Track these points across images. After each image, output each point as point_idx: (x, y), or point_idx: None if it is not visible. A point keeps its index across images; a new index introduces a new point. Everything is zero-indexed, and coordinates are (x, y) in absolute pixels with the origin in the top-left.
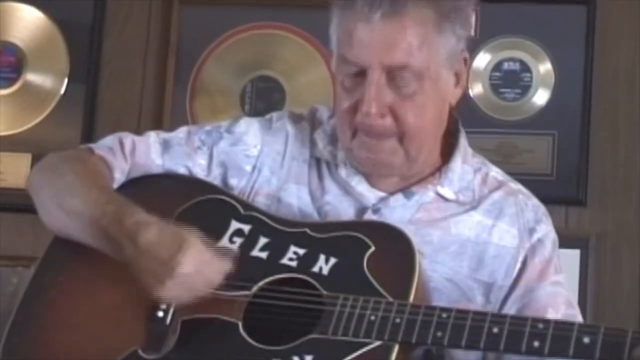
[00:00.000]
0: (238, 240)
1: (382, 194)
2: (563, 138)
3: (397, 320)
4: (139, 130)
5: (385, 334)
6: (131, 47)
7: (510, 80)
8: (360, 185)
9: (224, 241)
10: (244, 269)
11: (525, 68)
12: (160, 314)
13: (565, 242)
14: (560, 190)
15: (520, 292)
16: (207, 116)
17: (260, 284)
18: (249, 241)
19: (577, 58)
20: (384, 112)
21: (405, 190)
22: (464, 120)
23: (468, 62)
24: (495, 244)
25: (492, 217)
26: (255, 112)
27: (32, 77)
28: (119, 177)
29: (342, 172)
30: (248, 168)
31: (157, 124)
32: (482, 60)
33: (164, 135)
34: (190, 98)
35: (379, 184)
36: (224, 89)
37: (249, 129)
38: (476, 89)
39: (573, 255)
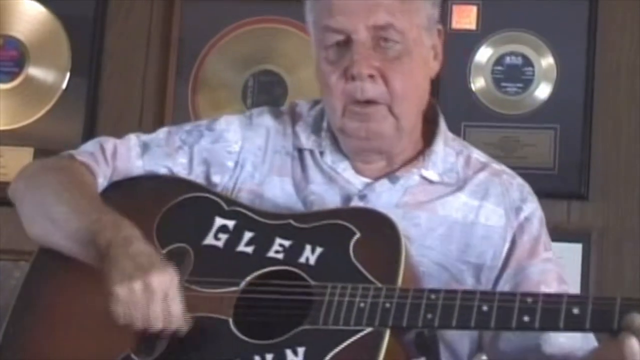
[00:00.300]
0: (223, 237)
1: (367, 180)
2: (565, 132)
3: (387, 305)
4: (140, 125)
5: (375, 320)
6: (133, 41)
7: (512, 74)
8: (346, 172)
9: (209, 238)
10: (231, 265)
11: (527, 62)
12: None
13: (567, 236)
14: (563, 185)
15: (511, 271)
16: (209, 110)
17: (248, 279)
18: (234, 237)
19: (579, 52)
20: (373, 73)
21: (390, 175)
22: (466, 115)
23: (442, 35)
24: (483, 225)
25: (478, 198)
26: (257, 106)
27: (34, 71)
28: (102, 182)
29: (328, 158)
30: (230, 164)
31: (159, 118)
32: (484, 54)
33: (144, 137)
34: (192, 92)
35: (364, 170)
36: (226, 83)
37: (230, 126)
38: (478, 83)
39: (575, 249)
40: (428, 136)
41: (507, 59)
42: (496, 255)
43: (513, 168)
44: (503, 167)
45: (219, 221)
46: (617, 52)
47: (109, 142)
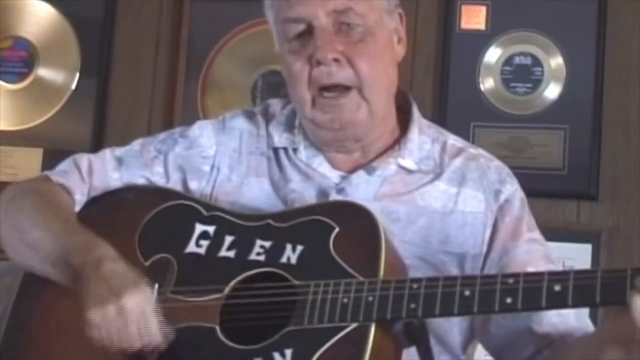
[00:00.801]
0: (204, 243)
1: (343, 173)
2: (574, 132)
3: (370, 298)
4: (150, 125)
5: (359, 315)
6: (142, 42)
7: (522, 74)
8: (322, 166)
9: (191, 246)
10: (214, 271)
11: (537, 62)
12: None
13: (577, 236)
14: (572, 185)
15: (496, 255)
16: (218, 111)
17: (232, 284)
18: (215, 242)
19: (588, 52)
20: (339, 57)
21: (366, 166)
22: (475, 115)
23: (404, 19)
24: (462, 212)
25: (456, 185)
26: None
27: (43, 72)
28: (79, 199)
29: (302, 155)
30: (206, 168)
31: (168, 119)
32: (493, 54)
33: (119, 150)
34: (201, 93)
35: (340, 162)
36: (235, 83)
37: (203, 132)
38: (487, 84)
39: (585, 250)
40: (403, 125)
41: (517, 59)
42: (478, 243)
43: (522, 168)
44: (480, 151)
45: (199, 227)
46: (627, 52)
47: (84, 159)
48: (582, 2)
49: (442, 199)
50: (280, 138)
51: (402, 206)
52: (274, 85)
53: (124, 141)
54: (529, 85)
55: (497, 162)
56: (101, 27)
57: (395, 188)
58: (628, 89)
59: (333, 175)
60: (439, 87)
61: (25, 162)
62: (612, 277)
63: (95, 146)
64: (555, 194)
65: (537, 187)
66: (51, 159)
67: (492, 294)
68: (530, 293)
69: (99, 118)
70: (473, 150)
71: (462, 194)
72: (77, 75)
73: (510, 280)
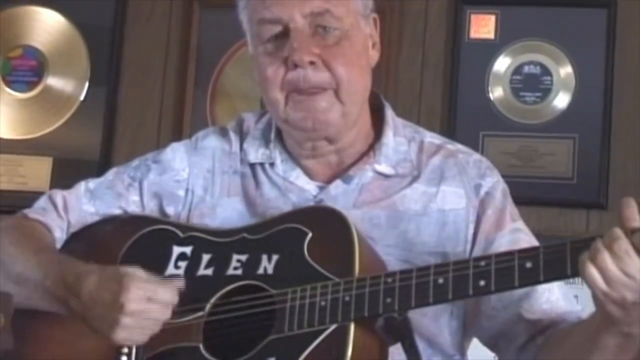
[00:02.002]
0: (183, 264)
1: (321, 184)
2: (584, 141)
3: (347, 298)
4: (159, 134)
5: (338, 316)
6: (151, 50)
7: (531, 83)
8: (299, 179)
9: (170, 269)
10: (194, 290)
11: (546, 71)
12: (124, 358)
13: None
14: (581, 194)
15: (480, 247)
16: (227, 119)
17: (212, 301)
18: (193, 262)
19: (598, 61)
20: (315, 60)
21: (343, 175)
22: (484, 124)
23: (378, 24)
24: (442, 211)
25: (435, 184)
26: None
27: (53, 80)
28: (59, 236)
29: (279, 169)
30: (181, 193)
31: (178, 127)
32: (503, 63)
33: (93, 183)
34: (211, 101)
35: (316, 173)
36: (244, 91)
37: (175, 154)
38: (497, 93)
39: None
40: (377, 127)
41: (526, 68)
42: (461, 239)
43: (531, 177)
44: (458, 147)
45: (176, 250)
46: (636, 61)
47: (58, 195)
48: (591, 11)
49: (422, 200)
50: (256, 154)
51: (383, 211)
52: None
53: (133, 150)
54: (538, 94)
55: (476, 156)
56: (110, 36)
57: (374, 194)
58: (637, 98)
59: (311, 188)
60: (448, 96)
61: (35, 171)
62: (582, 247)
63: (105, 155)
64: (564, 203)
65: (546, 196)
66: (61, 168)
67: (465, 278)
68: (502, 273)
69: (108, 127)
70: (451, 146)
71: (442, 193)
72: (87, 84)
73: (482, 263)
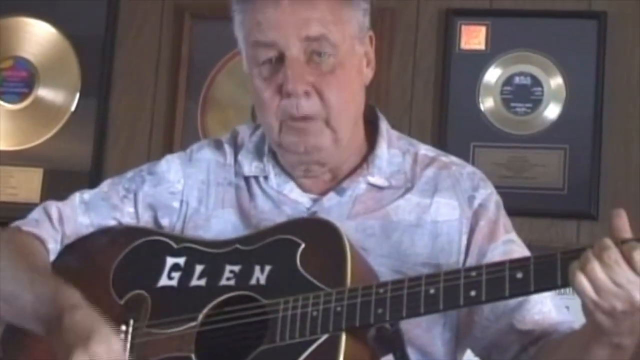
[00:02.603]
0: (176, 275)
1: (314, 196)
2: (574, 152)
3: (338, 308)
4: (150, 146)
5: (329, 325)
6: (143, 61)
7: (521, 94)
8: (293, 192)
9: (163, 279)
10: (187, 301)
11: (536, 82)
12: None
13: None
14: (572, 205)
15: (473, 258)
16: (218, 130)
17: (205, 311)
18: (187, 273)
19: (588, 72)
20: (309, 90)
21: (336, 187)
22: (475, 135)
23: (373, 41)
24: (436, 222)
25: (429, 196)
26: None
27: (43, 92)
28: (53, 247)
29: (273, 182)
30: (176, 205)
31: (169, 139)
32: (493, 74)
33: (88, 194)
34: (202, 112)
35: (310, 186)
36: (236, 102)
37: (170, 166)
38: (487, 103)
39: None
40: (371, 139)
41: (516, 79)
42: (454, 251)
43: (522, 188)
44: (452, 159)
45: (170, 260)
46: (626, 72)
47: (52, 207)
48: (582, 23)
49: (416, 211)
50: (250, 167)
51: (377, 221)
52: None
53: (124, 161)
54: (529, 105)
55: (469, 169)
56: (101, 47)
57: (367, 206)
58: (628, 109)
59: (304, 200)
60: (439, 106)
61: (26, 182)
62: (573, 258)
63: (96, 166)
64: (555, 213)
65: (537, 207)
66: (51, 179)
67: (456, 288)
68: (493, 283)
69: (99, 138)
70: (445, 158)
71: (435, 204)
72: (78, 95)
73: (473, 273)
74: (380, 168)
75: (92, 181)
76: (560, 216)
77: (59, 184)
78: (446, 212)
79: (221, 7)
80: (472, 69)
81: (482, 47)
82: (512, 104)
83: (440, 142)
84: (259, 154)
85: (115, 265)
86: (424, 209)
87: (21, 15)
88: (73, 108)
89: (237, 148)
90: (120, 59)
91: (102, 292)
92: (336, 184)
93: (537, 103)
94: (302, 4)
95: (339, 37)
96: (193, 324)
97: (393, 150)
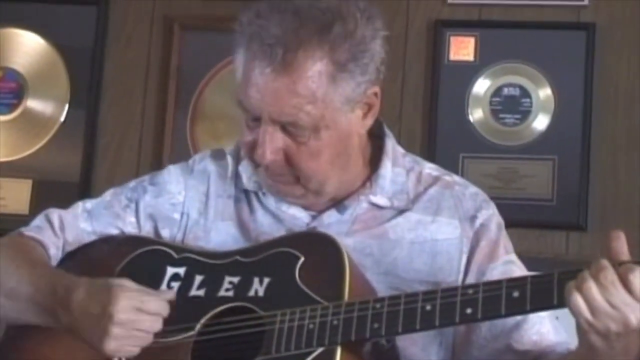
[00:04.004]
0: (176, 285)
1: (314, 213)
2: (563, 163)
3: (335, 322)
4: (139, 156)
5: (325, 339)
6: (132, 73)
7: (510, 105)
8: (292, 209)
9: (163, 288)
10: (185, 310)
11: (525, 93)
12: None
13: (566, 267)
14: (561, 216)
15: (472, 277)
16: (208, 141)
17: (202, 321)
18: (186, 283)
19: (577, 83)
20: (277, 158)
21: (338, 205)
22: (464, 146)
23: (379, 95)
24: (437, 241)
25: (431, 214)
26: None
27: (33, 103)
28: (54, 253)
29: (271, 199)
30: (176, 216)
31: (158, 150)
32: (482, 85)
33: (91, 203)
34: (191, 123)
35: (309, 206)
36: (225, 114)
37: (172, 177)
38: (476, 115)
39: None
40: (376, 155)
41: (505, 90)
42: (454, 270)
43: (511, 199)
44: (455, 179)
45: (170, 270)
46: (615, 83)
47: (54, 214)
48: (571, 34)
49: (416, 229)
50: (248, 181)
51: (375, 240)
52: None
53: (113, 172)
54: (518, 116)
55: (472, 189)
56: (90, 58)
57: (367, 224)
58: (616, 120)
59: (303, 216)
60: (428, 118)
61: (15, 194)
62: (569, 278)
63: (85, 177)
64: (544, 224)
65: (526, 217)
66: (41, 190)
67: (452, 306)
68: (489, 302)
69: (88, 149)
70: (448, 178)
71: (437, 223)
72: (67, 106)
73: (470, 291)
74: (383, 188)
75: (82, 192)
76: (549, 227)
77: (48, 195)
78: (446, 230)
79: (210, 19)
80: (461, 80)
81: (470, 58)
82: (501, 115)
83: (430, 153)
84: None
85: (116, 274)
86: (425, 227)
87: (10, 27)
88: (62, 119)
89: (239, 158)
90: (110, 70)
91: None
92: (337, 201)
93: (526, 114)
94: (283, 80)
95: (315, 118)
96: (190, 333)
97: (397, 169)
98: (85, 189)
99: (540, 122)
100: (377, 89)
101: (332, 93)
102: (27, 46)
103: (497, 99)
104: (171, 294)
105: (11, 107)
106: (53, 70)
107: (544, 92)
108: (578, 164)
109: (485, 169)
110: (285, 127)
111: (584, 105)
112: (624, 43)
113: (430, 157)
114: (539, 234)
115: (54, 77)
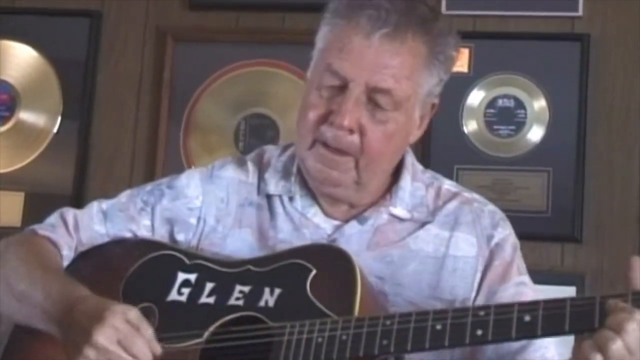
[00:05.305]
0: (186, 291)
1: (337, 222)
2: (558, 175)
3: (344, 337)
4: (132, 168)
5: (333, 353)
6: (124, 84)
7: (505, 117)
8: (316, 217)
9: (173, 294)
10: (194, 317)
11: (520, 105)
12: None
13: (561, 279)
14: (556, 227)
15: (483, 297)
16: (201, 154)
17: (211, 329)
18: (196, 289)
19: (572, 94)
20: (354, 128)
21: (359, 216)
22: (458, 157)
23: (435, 109)
24: (454, 256)
25: (448, 229)
26: (250, 150)
27: (25, 115)
28: (67, 254)
29: (298, 204)
30: (193, 221)
31: (151, 162)
32: (477, 97)
33: (106, 204)
34: (184, 135)
35: (333, 211)
36: (218, 126)
37: (190, 182)
38: (471, 126)
39: (569, 293)
40: (396, 171)
41: (500, 102)
42: (468, 287)
43: (506, 211)
44: (474, 195)
45: (181, 276)
46: (610, 95)
47: (70, 214)
48: (565, 45)
49: (435, 242)
50: (276, 186)
51: (396, 250)
52: (257, 128)
53: (106, 184)
54: (512, 127)
55: (490, 207)
56: (83, 70)
57: (387, 237)
58: (611, 131)
59: (327, 226)
60: None
61: (7, 206)
62: (581, 305)
63: (77, 189)
64: (539, 236)
65: (521, 229)
66: (33, 203)
67: (463, 326)
68: (500, 324)
69: (81, 161)
70: (467, 194)
71: (455, 238)
72: (59, 118)
73: (482, 313)
74: (403, 200)
75: (74, 204)
76: (544, 239)
77: (41, 208)
78: (464, 247)
79: (203, 30)
80: (456, 91)
81: (465, 69)
82: (496, 127)
83: (424, 164)
84: (286, 173)
85: (127, 277)
86: (442, 242)
87: (2, 39)
88: (55, 131)
89: (262, 166)
90: (102, 82)
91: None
92: (359, 212)
93: (520, 125)
94: (389, 49)
95: (404, 95)
96: (198, 340)
97: (417, 184)
98: (78, 201)
99: (535, 134)
100: (437, 100)
101: (424, 77)
102: (20, 58)
103: (492, 110)
104: (158, 348)
105: (3, 120)
106: (46, 82)
107: (539, 104)
108: (573, 175)
109: (480, 181)
110: (372, 98)
111: (579, 116)
112: (618, 54)
113: (425, 168)
114: (534, 246)
115: (47, 89)
